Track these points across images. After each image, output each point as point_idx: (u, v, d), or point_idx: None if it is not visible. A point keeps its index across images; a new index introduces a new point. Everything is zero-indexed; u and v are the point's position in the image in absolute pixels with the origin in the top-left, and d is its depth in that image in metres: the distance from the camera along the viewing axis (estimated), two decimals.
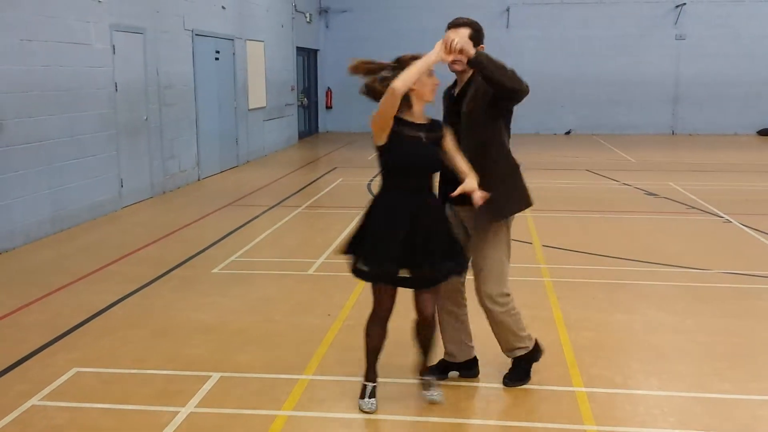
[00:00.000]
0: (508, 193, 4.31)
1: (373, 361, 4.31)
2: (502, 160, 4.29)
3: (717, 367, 4.93)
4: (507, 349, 4.58)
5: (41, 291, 6.62)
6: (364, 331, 4.30)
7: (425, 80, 4.00)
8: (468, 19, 4.35)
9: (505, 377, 4.61)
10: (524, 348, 4.55)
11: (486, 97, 4.18)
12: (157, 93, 11.62)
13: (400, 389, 4.56)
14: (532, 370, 4.64)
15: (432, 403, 4.34)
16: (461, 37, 4.09)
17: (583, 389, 4.57)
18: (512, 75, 4.05)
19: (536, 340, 4.64)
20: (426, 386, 4.39)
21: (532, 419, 4.19)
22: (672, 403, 4.43)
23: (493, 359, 4.98)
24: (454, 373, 4.70)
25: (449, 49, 3.95)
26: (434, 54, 3.96)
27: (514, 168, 4.37)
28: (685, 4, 21.99)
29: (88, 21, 9.63)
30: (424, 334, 4.30)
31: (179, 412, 4.26)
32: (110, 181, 10.24)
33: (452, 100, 4.41)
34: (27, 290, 6.65)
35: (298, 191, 12.09)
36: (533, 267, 7.40)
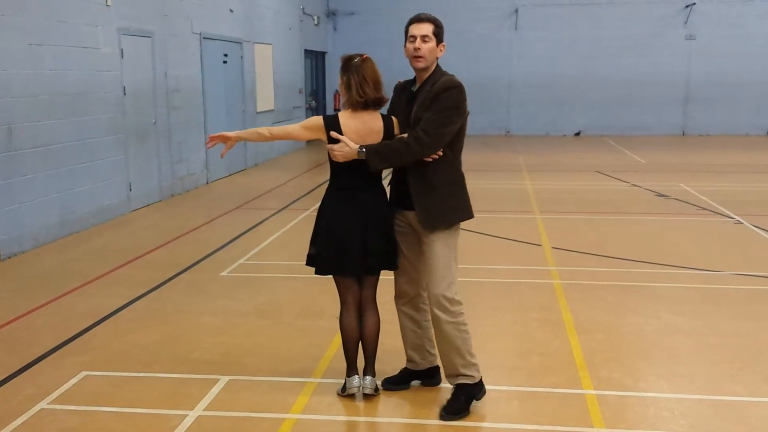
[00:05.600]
0: (445, 204, 4.15)
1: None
2: (444, 169, 4.14)
3: (729, 370, 4.89)
4: (450, 374, 4.25)
5: (50, 295, 6.63)
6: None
7: None
8: (431, 15, 4.18)
9: (442, 409, 4.24)
10: (469, 377, 4.21)
11: (428, 105, 4.07)
12: (165, 96, 11.65)
13: (406, 393, 4.55)
14: (472, 405, 4.27)
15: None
16: (425, 30, 4.09)
17: (593, 392, 4.54)
18: (404, 148, 4.01)
19: (481, 378, 4.31)
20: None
21: (541, 422, 4.16)
22: (683, 405, 4.39)
23: (501, 363, 4.96)
24: (416, 382, 4.62)
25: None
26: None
27: (457, 178, 4.23)
28: (694, 3, 21.89)
29: (97, 25, 9.65)
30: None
31: (188, 415, 4.26)
32: (119, 184, 10.26)
33: (409, 96, 4.24)
34: (36, 294, 6.66)
35: (306, 194, 12.08)
36: (543, 269, 7.37)
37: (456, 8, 21.47)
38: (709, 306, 6.21)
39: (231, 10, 14.40)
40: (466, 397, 4.24)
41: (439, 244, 4.15)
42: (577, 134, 23.03)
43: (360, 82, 4.15)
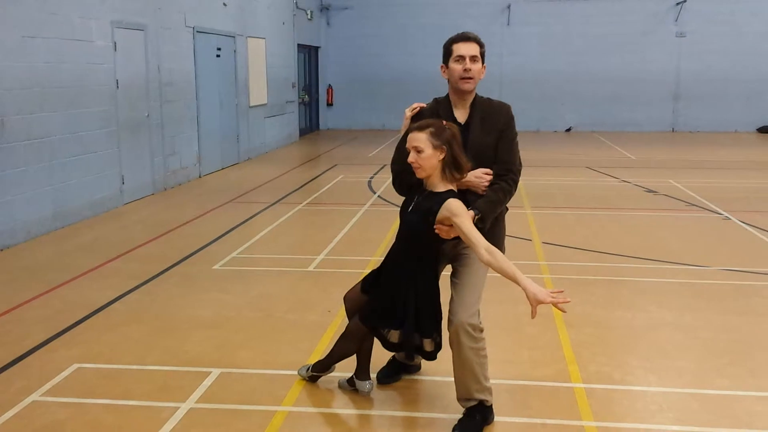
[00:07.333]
0: (502, 236, 4.10)
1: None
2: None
3: (716, 364, 4.95)
4: (463, 397, 4.07)
5: (42, 287, 6.64)
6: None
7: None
8: (476, 34, 3.99)
9: (455, 427, 4.02)
10: (483, 401, 4.07)
11: (494, 133, 3.94)
12: (158, 90, 11.64)
13: (397, 386, 4.59)
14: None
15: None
16: (474, 51, 3.91)
17: (582, 385, 4.58)
18: (507, 196, 4.01)
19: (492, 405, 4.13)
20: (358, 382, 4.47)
21: (530, 415, 4.21)
22: (670, 399, 4.45)
23: (491, 356, 5.00)
24: (406, 375, 4.68)
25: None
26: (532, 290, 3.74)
27: (505, 210, 4.23)
28: (685, 1, 21.97)
29: (90, 18, 9.64)
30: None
31: (179, 407, 4.28)
32: (111, 177, 10.26)
33: (458, 127, 3.89)
34: (28, 286, 6.67)
35: (298, 188, 12.10)
36: (532, 264, 7.41)
37: (447, 3, 21.42)
38: (698, 301, 6.27)
39: (224, 4, 14.37)
40: (481, 417, 4.06)
41: (477, 273, 4.04)
42: (568, 130, 23.10)
43: (463, 154, 3.76)
